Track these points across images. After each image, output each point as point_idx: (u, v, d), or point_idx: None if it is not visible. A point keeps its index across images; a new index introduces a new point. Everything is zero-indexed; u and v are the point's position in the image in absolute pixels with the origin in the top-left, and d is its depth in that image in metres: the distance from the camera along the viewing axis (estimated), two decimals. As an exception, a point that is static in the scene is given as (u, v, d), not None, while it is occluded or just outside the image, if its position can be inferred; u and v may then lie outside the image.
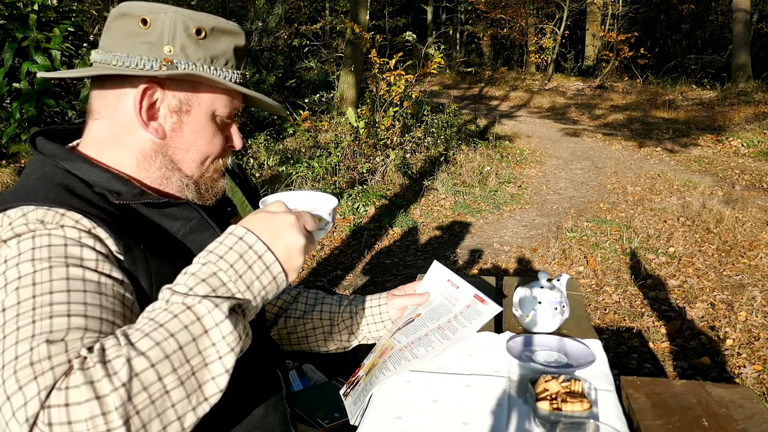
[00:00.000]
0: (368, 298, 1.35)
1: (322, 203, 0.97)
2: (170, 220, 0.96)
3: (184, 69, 0.93)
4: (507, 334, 1.39)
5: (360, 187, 5.80)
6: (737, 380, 2.80)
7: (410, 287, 1.36)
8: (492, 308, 1.17)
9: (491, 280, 1.86)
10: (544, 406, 1.00)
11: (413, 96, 7.14)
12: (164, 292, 0.75)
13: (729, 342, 3.11)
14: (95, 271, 0.79)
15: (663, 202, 5.94)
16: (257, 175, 6.07)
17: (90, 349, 0.67)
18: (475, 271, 4.21)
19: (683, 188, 6.48)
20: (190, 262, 0.79)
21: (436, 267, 1.33)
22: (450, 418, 1.07)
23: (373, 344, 1.35)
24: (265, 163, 6.34)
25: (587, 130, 10.70)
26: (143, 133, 0.94)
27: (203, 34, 0.94)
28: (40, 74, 0.98)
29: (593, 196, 6.34)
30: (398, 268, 4.26)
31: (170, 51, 0.92)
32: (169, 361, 0.68)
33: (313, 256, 4.38)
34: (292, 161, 6.38)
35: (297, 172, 5.91)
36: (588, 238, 4.81)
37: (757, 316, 3.39)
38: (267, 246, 0.79)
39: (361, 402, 1.14)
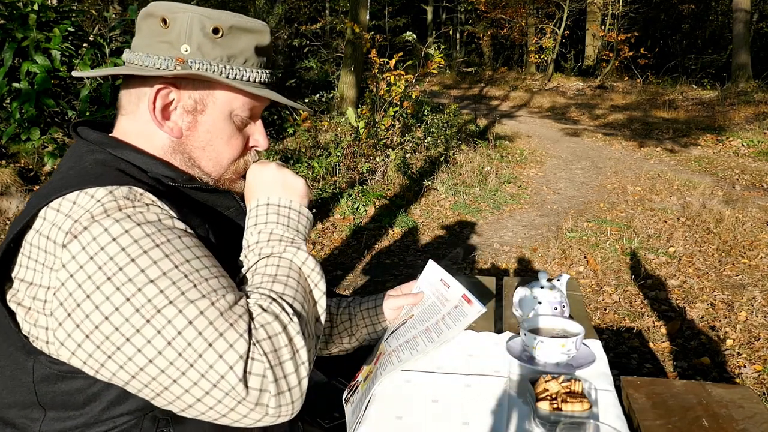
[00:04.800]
0: (366, 299, 1.34)
1: (574, 331, 1.23)
2: (214, 205, 1.01)
3: (198, 68, 0.93)
4: (507, 334, 1.39)
5: (360, 187, 5.79)
6: (737, 380, 2.80)
7: (407, 287, 1.35)
8: (476, 309, 1.14)
9: (491, 280, 1.85)
10: (544, 406, 1.00)
11: (413, 96, 7.14)
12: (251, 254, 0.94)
13: (729, 342, 3.11)
14: (193, 237, 0.85)
15: (663, 202, 5.94)
16: (257, 175, 6.07)
17: (261, 306, 0.82)
18: (476, 271, 4.21)
19: (683, 188, 6.48)
20: (239, 243, 0.94)
21: (431, 266, 1.31)
22: (450, 418, 1.07)
23: (374, 346, 1.34)
24: (265, 163, 6.33)
25: (587, 130, 10.70)
26: (161, 132, 0.96)
27: (220, 33, 0.94)
28: (74, 73, 1.04)
29: (593, 196, 6.34)
30: (398, 268, 4.25)
31: (186, 50, 0.93)
32: (306, 302, 0.90)
33: (312, 256, 4.38)
34: (292, 161, 6.37)
35: (297, 172, 5.90)
36: (588, 238, 4.81)
37: (757, 316, 3.39)
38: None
39: (358, 412, 1.13)
